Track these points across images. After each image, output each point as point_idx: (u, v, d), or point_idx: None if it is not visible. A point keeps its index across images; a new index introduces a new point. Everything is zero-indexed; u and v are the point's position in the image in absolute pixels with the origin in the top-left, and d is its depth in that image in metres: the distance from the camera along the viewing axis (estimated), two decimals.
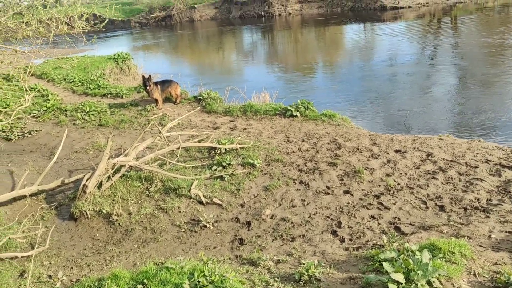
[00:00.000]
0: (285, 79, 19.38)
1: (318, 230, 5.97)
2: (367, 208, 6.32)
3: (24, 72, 9.51)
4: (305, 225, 6.12)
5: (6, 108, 11.69)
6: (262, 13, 47.88)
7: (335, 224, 6.04)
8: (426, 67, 17.86)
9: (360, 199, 6.60)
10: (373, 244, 5.32)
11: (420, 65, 18.23)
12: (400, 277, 3.54)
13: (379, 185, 6.93)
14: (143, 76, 11.53)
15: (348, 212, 6.27)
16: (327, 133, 9.18)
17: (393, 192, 6.68)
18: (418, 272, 3.56)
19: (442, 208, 6.09)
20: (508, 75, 14.39)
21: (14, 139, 10.67)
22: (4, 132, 11.05)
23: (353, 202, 6.54)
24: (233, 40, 35.96)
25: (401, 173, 7.22)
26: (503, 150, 7.77)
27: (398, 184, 6.89)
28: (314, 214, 6.36)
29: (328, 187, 7.03)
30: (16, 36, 9.07)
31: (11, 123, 11.18)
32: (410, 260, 3.68)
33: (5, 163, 9.09)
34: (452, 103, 12.70)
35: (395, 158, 7.74)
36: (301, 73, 20.02)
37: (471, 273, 4.01)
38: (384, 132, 9.73)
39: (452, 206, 6.10)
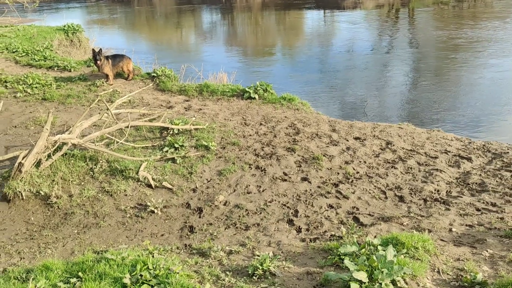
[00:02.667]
0: (244, 61, 18.94)
1: (274, 218, 5.65)
2: (325, 197, 6.05)
3: None
4: (260, 213, 5.79)
5: None
6: None
7: (291, 213, 5.74)
8: (383, 56, 17.88)
9: (318, 187, 6.33)
10: (331, 235, 5.05)
11: (377, 54, 18.23)
12: (363, 275, 3.25)
13: (338, 173, 6.68)
14: (93, 50, 10.76)
15: (306, 201, 5.98)
16: (285, 117, 8.86)
17: (352, 180, 6.45)
18: (382, 270, 3.28)
19: (401, 198, 5.91)
20: (462, 68, 14.58)
21: None
22: None
23: (311, 190, 6.26)
24: (192, 19, 35.01)
25: (360, 161, 7.01)
26: (461, 141, 7.71)
27: (357, 172, 6.67)
28: (270, 202, 6.03)
29: (285, 174, 6.71)
30: None
31: None
32: (374, 257, 3.40)
33: None
34: (408, 93, 12.71)
35: (354, 146, 7.52)
36: (260, 56, 19.62)
37: (435, 270, 3.79)
38: (342, 119, 9.51)
39: (412, 197, 5.93)
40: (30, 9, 9.26)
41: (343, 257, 3.91)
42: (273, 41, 24.29)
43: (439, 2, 34.32)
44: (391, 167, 6.79)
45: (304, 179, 6.55)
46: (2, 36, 16.02)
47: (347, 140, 7.76)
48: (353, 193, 6.09)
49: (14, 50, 14.17)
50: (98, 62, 10.56)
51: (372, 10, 32.88)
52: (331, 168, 6.82)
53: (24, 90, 10.57)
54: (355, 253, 3.92)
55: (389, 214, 5.44)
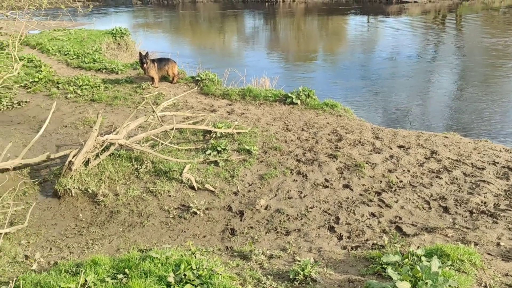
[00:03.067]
0: (286, 66, 18.97)
1: (315, 225, 5.64)
2: (367, 205, 5.99)
3: (16, 40, 9.04)
4: (301, 219, 5.79)
5: None
6: None
7: (333, 220, 5.71)
8: (429, 63, 17.51)
9: (360, 194, 6.27)
10: (372, 244, 4.99)
11: (422, 62, 17.87)
12: (406, 286, 3.21)
13: (381, 181, 6.60)
14: (140, 53, 11.08)
15: (347, 208, 5.94)
16: (328, 123, 8.82)
17: (395, 189, 6.35)
18: (426, 281, 3.23)
19: (446, 209, 5.77)
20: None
21: (2, 109, 10.24)
22: None
23: (352, 197, 6.21)
24: (235, 24, 35.38)
25: (404, 170, 6.89)
26: (511, 152, 7.45)
27: (401, 181, 6.56)
28: (311, 208, 6.02)
29: (327, 180, 6.69)
30: (7, 2, 8.60)
31: (0, 92, 10.73)
32: (418, 268, 3.35)
33: None
34: (455, 102, 12.39)
35: (398, 154, 7.41)
36: (302, 62, 19.62)
37: (482, 285, 3.69)
38: (386, 126, 9.36)
39: (457, 208, 5.78)
40: (81, 14, 9.66)
41: (386, 266, 3.87)
42: (316, 46, 24.22)
43: (488, 8, 33.30)
44: (436, 177, 6.64)
45: (346, 186, 6.50)
46: (55, 39, 16.73)
47: (391, 148, 7.64)
48: (396, 202, 6.00)
49: (66, 53, 14.77)
50: (145, 65, 10.84)
51: (418, 16, 32.24)
52: (373, 176, 6.74)
53: (74, 91, 11.00)
54: (398, 263, 3.87)
55: (433, 225, 5.32)
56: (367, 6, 39.57)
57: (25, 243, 5.47)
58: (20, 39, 9.39)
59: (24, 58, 13.15)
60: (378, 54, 19.86)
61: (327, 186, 6.52)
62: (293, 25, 32.90)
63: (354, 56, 20.19)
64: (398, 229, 5.39)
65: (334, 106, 9.62)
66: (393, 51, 20.05)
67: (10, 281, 3.95)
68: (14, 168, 7.10)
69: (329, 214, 5.87)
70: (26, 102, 10.58)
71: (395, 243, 4.82)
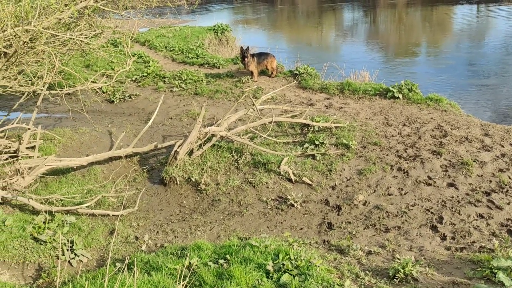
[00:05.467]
0: (386, 59, 18.36)
1: (416, 223, 5.43)
2: (475, 205, 5.63)
3: (129, 38, 9.75)
4: (401, 216, 5.60)
5: (111, 71, 12.21)
6: None
7: (435, 219, 5.45)
8: None
9: (467, 194, 5.91)
10: (480, 247, 4.70)
11: None
12: None
13: (490, 181, 6.16)
14: (241, 47, 11.38)
15: (452, 207, 5.63)
16: (431, 118, 8.40)
17: (507, 190, 5.89)
18: None
19: None
20: None
21: (115, 102, 11.13)
22: (108, 94, 11.57)
23: (458, 196, 5.88)
24: (333, 17, 34.90)
25: None
26: None
27: None
28: (412, 205, 5.80)
29: (429, 177, 6.39)
30: (123, 3, 9.26)
31: (114, 86, 11.65)
32: None
33: (105, 124, 9.47)
34: None
35: (511, 152, 6.86)
36: (403, 55, 18.85)
37: None
38: (496, 123, 8.68)
39: None
40: (185, 11, 10.16)
41: (496, 271, 3.63)
42: (418, 39, 23.11)
43: None
44: None
45: (451, 184, 6.16)
46: (162, 36, 17.75)
47: (503, 146, 7.10)
48: (508, 204, 5.57)
49: (171, 49, 15.61)
50: (246, 59, 11.11)
51: None
52: (482, 175, 6.32)
53: (179, 85, 11.61)
54: (510, 268, 3.61)
55: None
56: None
57: (135, 225, 5.91)
58: (131, 37, 10.08)
59: (135, 54, 14.13)
60: (488, 46, 18.45)
61: (430, 184, 6.24)
62: (394, 17, 31.65)
63: (461, 48, 18.96)
64: (510, 232, 5.01)
65: (438, 100, 9.13)
66: (505, 43, 18.51)
67: (125, 259, 4.30)
68: (126, 156, 7.69)
69: (431, 213, 5.61)
70: (136, 95, 11.38)
71: (506, 247, 4.50)
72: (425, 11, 32.94)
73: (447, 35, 23.19)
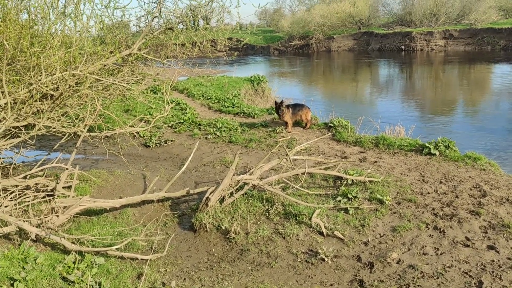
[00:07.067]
0: (422, 116, 18.23)
1: (453, 286, 5.16)
2: None
3: (168, 85, 10.10)
4: (437, 278, 5.35)
5: (149, 116, 12.57)
6: (403, 47, 46.43)
7: (474, 283, 5.18)
8: None
9: (508, 258, 5.61)
10: None
11: None
12: None
13: None
14: (275, 102, 11.55)
15: (492, 272, 5.35)
16: (469, 177, 8.17)
17: None
18: None
19: None
20: None
21: (151, 146, 11.37)
22: (145, 139, 11.85)
23: (498, 260, 5.59)
24: (368, 72, 35.21)
25: None
26: None
27: None
28: (448, 267, 5.54)
29: (467, 238, 6.13)
30: (164, 52, 9.65)
31: (151, 131, 11.95)
32: None
33: (140, 167, 9.64)
34: None
35: None
36: (439, 111, 18.69)
37: None
38: None
39: None
40: (224, 62, 10.54)
41: None
42: (455, 96, 22.96)
43: None
44: None
45: (491, 247, 5.88)
46: (200, 84, 18.28)
47: None
48: None
49: (208, 97, 16.02)
50: (281, 113, 11.27)
51: None
52: None
53: (214, 133, 11.79)
54: None
55: None
56: None
57: (162, 271, 5.86)
58: (171, 84, 10.41)
59: (173, 101, 14.54)
60: None
61: (468, 245, 5.97)
62: (431, 74, 31.67)
63: (500, 107, 18.69)
64: None
65: (477, 159, 8.91)
66: None
67: None
68: (158, 200, 7.75)
69: (470, 276, 5.34)
70: (171, 140, 11.61)
71: None
72: (463, 68, 32.88)
73: (486, 93, 22.95)
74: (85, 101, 8.19)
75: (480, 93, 23.21)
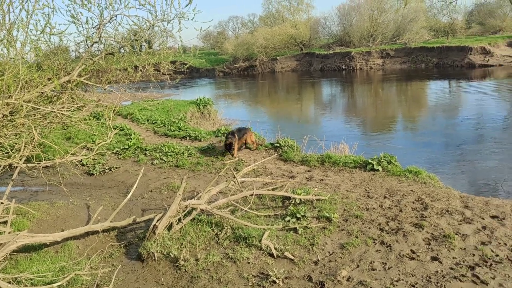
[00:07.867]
0: (364, 133, 18.80)
1: None
2: (460, 280, 5.52)
3: (111, 111, 9.85)
4: None
5: (92, 143, 12.18)
6: (343, 67, 48.01)
7: None
8: None
9: (451, 268, 5.81)
10: None
11: (511, 127, 16.91)
12: None
13: (473, 254, 6.10)
14: (225, 144, 11.41)
15: (437, 283, 5.51)
16: (412, 191, 8.46)
17: (491, 264, 5.82)
18: None
19: None
20: None
21: (95, 174, 10.99)
22: (88, 166, 11.45)
23: (442, 271, 5.77)
24: (312, 91, 36.08)
25: (499, 243, 6.34)
26: None
27: (497, 255, 6.02)
28: (396, 281, 5.66)
29: (413, 251, 6.30)
30: (106, 77, 9.42)
31: (94, 159, 11.56)
32: None
33: (84, 197, 9.28)
34: None
35: (491, 225, 6.86)
36: (380, 128, 19.36)
37: None
38: (475, 195, 8.77)
39: None
40: (168, 85, 10.43)
41: None
42: (394, 113, 23.90)
43: None
44: None
45: (435, 258, 6.08)
46: (144, 109, 18.00)
47: (483, 219, 7.12)
48: (493, 278, 5.48)
49: (153, 122, 15.78)
50: (232, 151, 11.23)
51: (504, 79, 31.01)
52: (465, 249, 6.26)
53: (160, 158, 11.58)
54: None
55: None
56: (448, 71, 38.84)
57: None
58: (114, 110, 10.16)
59: (117, 127, 14.21)
60: (462, 120, 19.17)
61: (413, 258, 6.14)
62: (371, 92, 32.88)
63: (436, 122, 19.62)
64: None
65: (418, 173, 9.26)
66: (478, 116, 19.26)
67: None
68: (103, 231, 7.45)
69: None
70: (116, 167, 11.28)
71: None
72: (400, 86, 34.37)
73: (423, 109, 24.05)
74: (21, 131, 7.81)
75: (418, 109, 24.31)
